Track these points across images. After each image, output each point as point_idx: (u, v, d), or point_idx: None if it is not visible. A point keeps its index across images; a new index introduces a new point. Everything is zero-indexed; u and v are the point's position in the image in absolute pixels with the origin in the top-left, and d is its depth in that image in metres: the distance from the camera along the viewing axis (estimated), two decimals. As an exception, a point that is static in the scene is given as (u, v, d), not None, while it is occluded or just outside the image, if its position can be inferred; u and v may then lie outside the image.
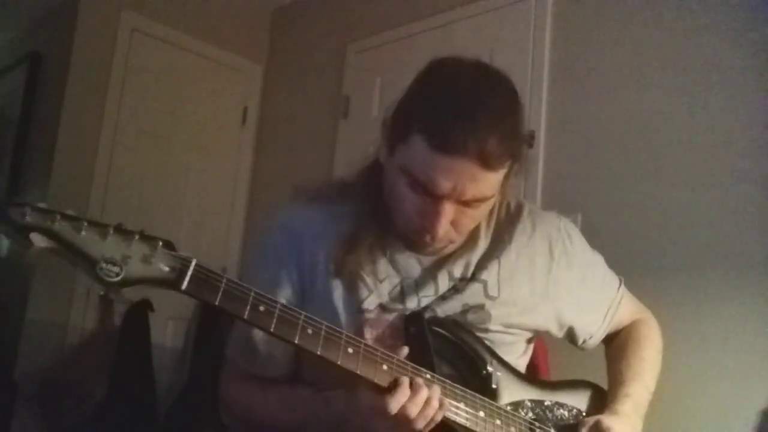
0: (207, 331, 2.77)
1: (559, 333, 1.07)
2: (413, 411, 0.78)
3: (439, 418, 0.81)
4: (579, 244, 1.08)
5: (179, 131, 2.92)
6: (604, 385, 1.07)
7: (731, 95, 1.67)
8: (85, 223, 0.69)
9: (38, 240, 0.67)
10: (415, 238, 0.92)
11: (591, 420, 0.94)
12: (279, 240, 0.98)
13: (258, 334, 0.93)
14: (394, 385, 0.79)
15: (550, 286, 1.01)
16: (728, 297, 1.59)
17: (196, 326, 2.86)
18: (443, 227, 0.85)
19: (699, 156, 1.70)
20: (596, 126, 1.94)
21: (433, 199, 0.83)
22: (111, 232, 0.70)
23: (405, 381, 0.79)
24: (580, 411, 1.00)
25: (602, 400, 1.01)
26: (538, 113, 2.07)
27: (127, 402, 2.39)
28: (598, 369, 1.13)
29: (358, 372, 0.80)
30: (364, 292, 0.93)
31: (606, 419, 0.92)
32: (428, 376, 0.84)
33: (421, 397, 0.79)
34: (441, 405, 0.81)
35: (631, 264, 1.76)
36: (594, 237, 1.87)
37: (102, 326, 2.56)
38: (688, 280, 1.66)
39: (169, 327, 2.81)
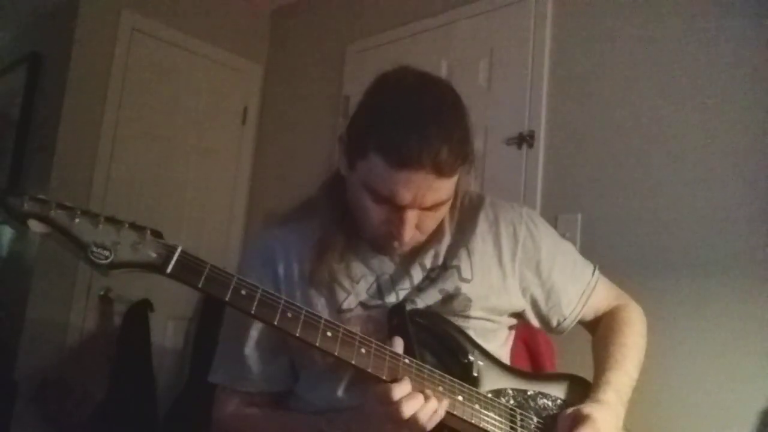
0: (207, 331, 2.77)
1: (533, 317, 1.09)
2: (409, 410, 0.80)
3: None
4: (544, 228, 1.12)
5: (179, 131, 2.92)
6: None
7: (732, 95, 1.67)
8: (79, 212, 0.76)
9: (35, 226, 0.74)
10: (384, 245, 0.98)
11: (571, 408, 0.95)
12: (255, 262, 1.04)
13: (249, 352, 0.99)
14: (397, 379, 0.83)
15: (518, 268, 1.05)
16: (728, 297, 1.59)
17: (196, 326, 2.86)
18: (409, 233, 0.92)
19: (699, 156, 1.70)
20: (596, 126, 1.94)
21: (396, 208, 0.90)
22: (102, 220, 0.77)
23: (407, 380, 0.83)
24: (563, 401, 1.01)
25: (586, 391, 1.02)
26: (538, 113, 2.07)
27: (127, 402, 2.39)
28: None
29: (336, 354, 0.83)
30: (341, 295, 0.98)
31: (586, 407, 0.93)
32: (406, 360, 0.87)
33: (420, 398, 0.82)
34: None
35: (630, 264, 1.77)
36: (594, 237, 1.89)
37: (102, 326, 2.56)
38: (688, 280, 1.66)
39: (169, 327, 2.81)
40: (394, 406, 0.79)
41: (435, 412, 0.82)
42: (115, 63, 2.70)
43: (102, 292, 2.59)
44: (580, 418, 0.91)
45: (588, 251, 1.81)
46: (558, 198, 1.99)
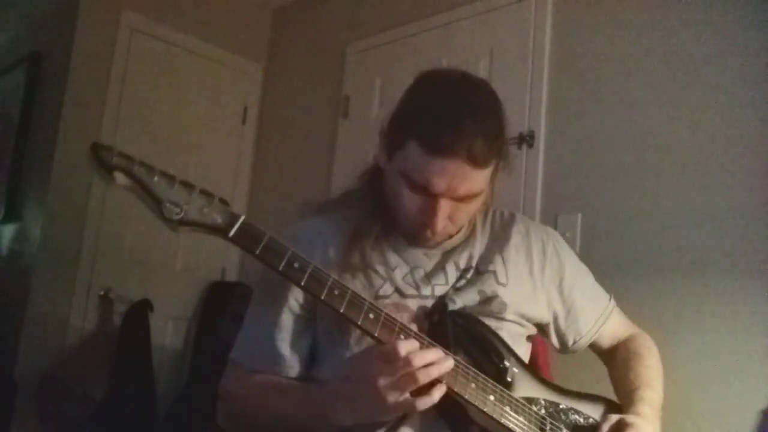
0: (207, 331, 2.77)
1: (552, 333, 1.12)
2: (417, 362, 0.80)
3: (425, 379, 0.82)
4: (568, 250, 1.16)
5: (179, 131, 2.92)
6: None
7: (732, 95, 1.67)
8: (158, 171, 0.84)
9: (120, 178, 0.83)
10: (417, 234, 1.00)
11: (614, 418, 0.95)
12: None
13: (271, 334, 0.99)
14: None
15: (546, 283, 1.09)
16: (728, 297, 1.59)
17: (196, 326, 2.86)
18: (442, 222, 0.94)
19: (699, 156, 1.70)
20: (596, 126, 1.94)
21: (430, 197, 0.92)
22: (178, 182, 0.85)
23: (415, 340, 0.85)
24: (596, 421, 1.01)
25: (617, 413, 1.02)
26: (538, 113, 2.07)
27: (127, 402, 2.39)
28: (600, 379, 1.14)
29: (376, 335, 0.86)
30: (378, 281, 1.00)
31: (629, 417, 0.95)
32: (442, 354, 0.88)
33: (430, 353, 0.82)
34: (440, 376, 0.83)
35: (631, 264, 1.77)
36: (594, 237, 1.89)
37: (102, 326, 2.56)
38: (688, 280, 1.66)
39: (169, 327, 2.81)
40: (403, 361, 0.79)
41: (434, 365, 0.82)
42: (115, 63, 2.71)
43: (102, 292, 2.59)
44: (624, 427, 0.92)
45: (588, 251, 1.83)
46: (558, 198, 1.99)
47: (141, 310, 2.58)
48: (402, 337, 0.86)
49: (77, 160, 2.57)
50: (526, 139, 2.07)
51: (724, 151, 1.66)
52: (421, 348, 0.83)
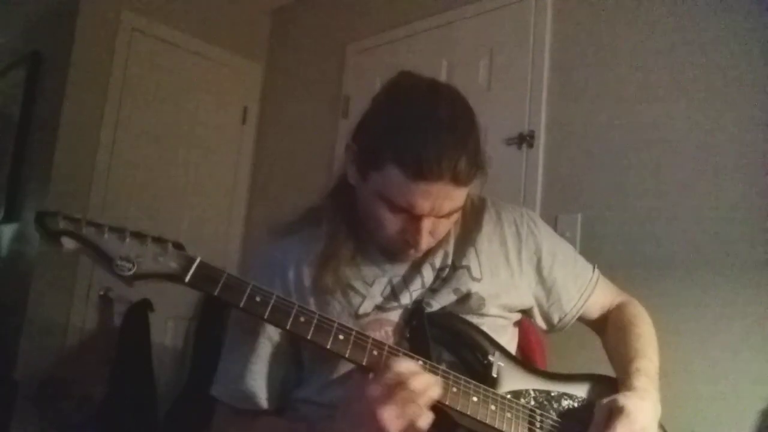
0: (207, 331, 2.77)
1: (537, 314, 1.11)
2: (416, 384, 0.77)
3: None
4: (544, 227, 1.14)
5: (179, 131, 2.92)
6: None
7: (731, 95, 1.67)
8: (107, 228, 0.81)
9: (68, 242, 0.80)
10: (399, 251, 0.98)
11: (607, 398, 0.93)
12: (263, 273, 1.02)
13: (245, 369, 0.97)
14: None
15: (524, 266, 1.08)
16: (728, 297, 1.59)
17: (196, 326, 2.86)
18: (426, 241, 0.94)
19: (699, 156, 1.70)
20: (596, 126, 1.94)
21: (412, 218, 0.91)
22: (128, 235, 0.82)
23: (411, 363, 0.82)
24: (590, 402, 0.99)
25: (612, 390, 1.00)
26: (538, 113, 2.07)
27: (127, 402, 2.39)
28: (596, 361, 1.13)
29: (347, 356, 0.85)
30: (357, 299, 0.98)
31: (621, 398, 0.92)
32: (420, 362, 0.87)
33: (425, 377, 0.79)
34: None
35: (630, 264, 1.77)
36: (594, 237, 1.89)
37: (102, 326, 2.56)
38: (688, 280, 1.66)
39: (169, 327, 2.82)
40: (399, 387, 0.76)
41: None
42: (115, 63, 2.71)
43: (102, 292, 2.59)
44: (615, 411, 0.90)
45: (588, 251, 1.81)
46: (558, 198, 1.99)
47: (141, 310, 2.58)
48: (375, 353, 0.85)
49: (77, 160, 2.57)
50: (526, 139, 2.07)
51: (725, 151, 1.66)
52: (401, 362, 0.80)
